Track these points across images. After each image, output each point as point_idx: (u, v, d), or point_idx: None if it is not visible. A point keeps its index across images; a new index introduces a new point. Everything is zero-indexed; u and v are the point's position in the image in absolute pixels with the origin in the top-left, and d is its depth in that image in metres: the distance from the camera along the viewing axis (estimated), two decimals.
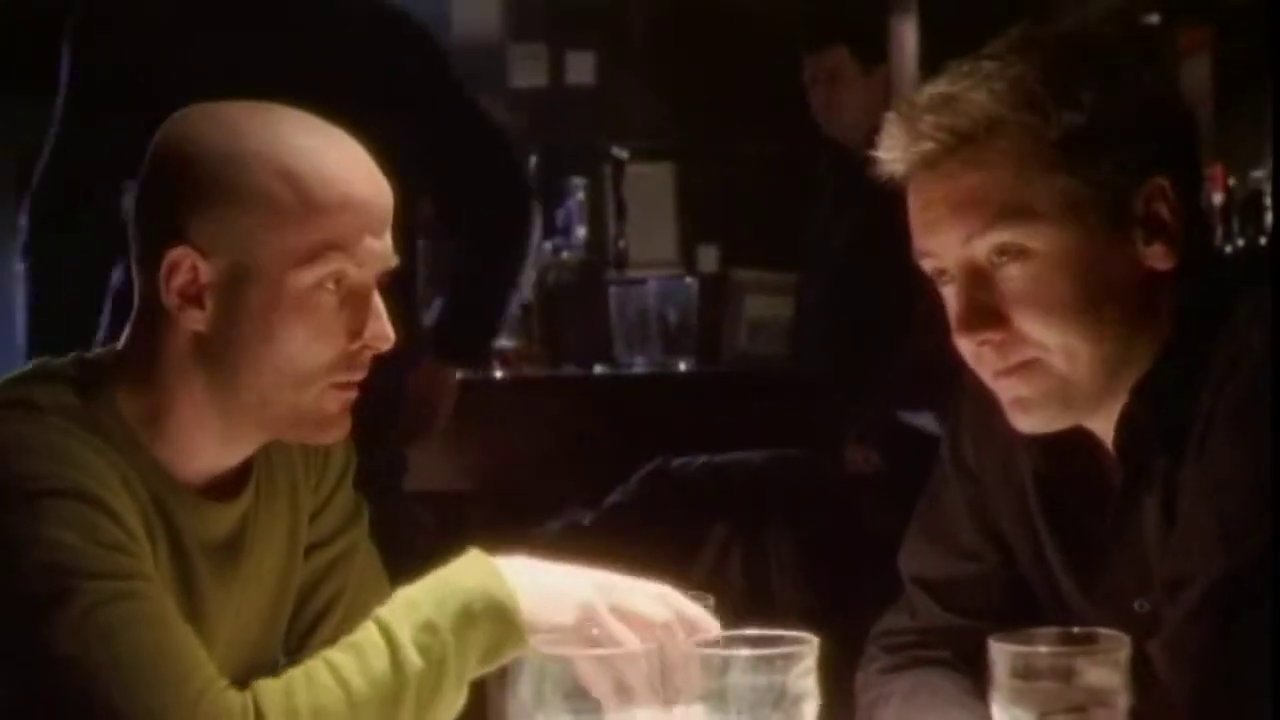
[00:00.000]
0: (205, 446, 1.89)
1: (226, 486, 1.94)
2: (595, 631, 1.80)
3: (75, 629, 1.68)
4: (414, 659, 1.75)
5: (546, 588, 1.83)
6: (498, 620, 1.80)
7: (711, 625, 1.82)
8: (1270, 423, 1.72)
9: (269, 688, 1.72)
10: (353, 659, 1.75)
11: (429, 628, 1.77)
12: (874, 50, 5.07)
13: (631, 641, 1.79)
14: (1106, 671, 1.61)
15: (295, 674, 1.73)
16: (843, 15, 5.24)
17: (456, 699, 1.79)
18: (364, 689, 1.73)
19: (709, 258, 6.70)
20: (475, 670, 1.80)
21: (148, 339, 1.89)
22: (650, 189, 6.40)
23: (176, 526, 1.86)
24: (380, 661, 1.75)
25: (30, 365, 1.90)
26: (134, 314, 1.90)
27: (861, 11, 5.52)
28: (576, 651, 1.80)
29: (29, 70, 6.06)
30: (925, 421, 4.42)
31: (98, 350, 1.93)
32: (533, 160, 5.59)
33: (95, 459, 1.79)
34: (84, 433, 1.81)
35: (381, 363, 1.91)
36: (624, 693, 1.80)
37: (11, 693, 1.71)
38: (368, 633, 1.77)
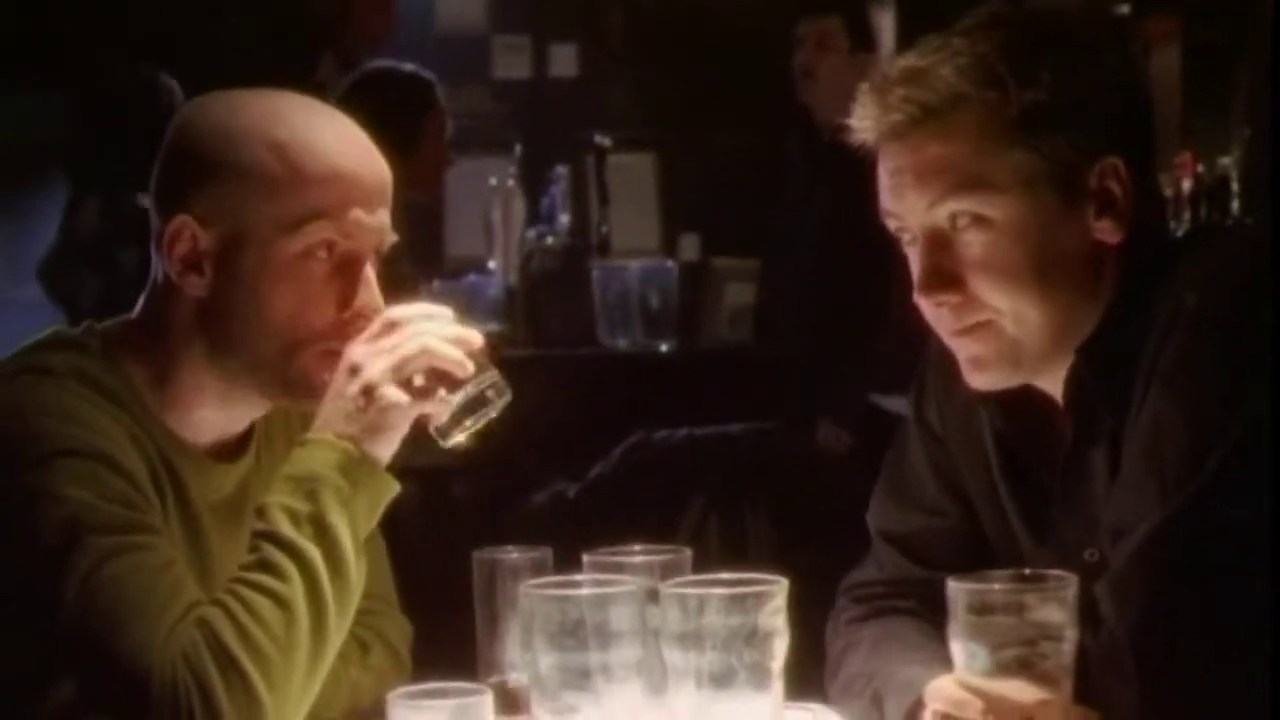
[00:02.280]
0: (208, 410, 2.00)
1: (229, 448, 2.04)
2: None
3: (84, 579, 1.79)
4: (313, 552, 1.83)
5: (366, 422, 1.89)
6: (366, 482, 1.88)
7: (443, 312, 1.94)
8: (1271, 386, 1.80)
9: (212, 614, 1.80)
10: (265, 574, 1.83)
11: (312, 521, 1.85)
12: (864, 35, 5.17)
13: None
14: (1055, 608, 1.71)
15: (226, 599, 1.82)
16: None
17: (360, 560, 1.88)
18: (285, 591, 1.82)
19: (690, 246, 6.78)
20: (367, 529, 1.90)
21: (156, 308, 1.99)
22: (632, 179, 6.47)
23: (183, 485, 1.97)
24: (288, 565, 1.83)
25: (46, 333, 2.00)
26: (147, 286, 2.01)
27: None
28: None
29: (6, 60, 6.14)
30: (898, 405, 4.50)
31: (110, 320, 2.03)
32: (517, 149, 5.66)
33: (106, 420, 1.89)
34: (96, 396, 1.91)
35: None
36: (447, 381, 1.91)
37: (20, 634, 1.83)
38: (264, 551, 1.84)
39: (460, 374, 1.90)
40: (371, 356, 1.89)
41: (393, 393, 1.88)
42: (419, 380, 1.91)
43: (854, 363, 4.65)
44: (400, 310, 1.93)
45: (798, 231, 4.97)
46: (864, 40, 5.15)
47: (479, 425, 1.94)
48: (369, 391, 1.88)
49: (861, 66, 4.99)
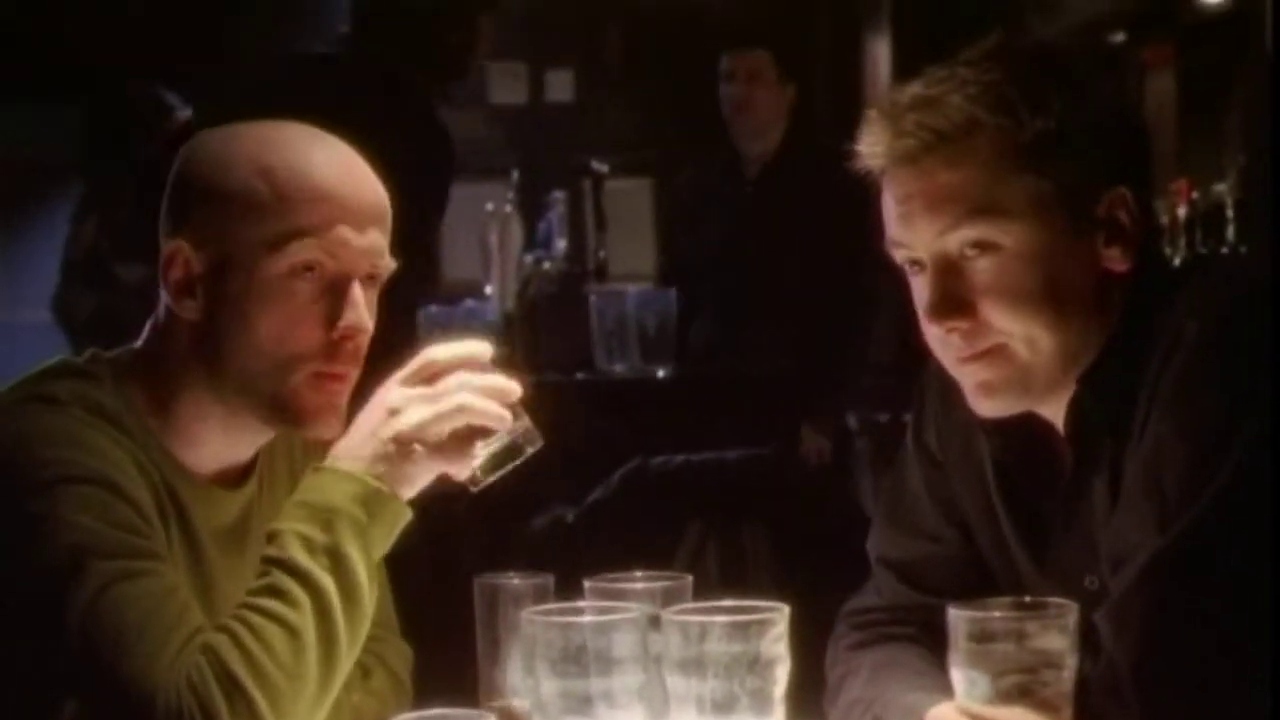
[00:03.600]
0: (210, 436, 2.00)
1: (233, 475, 2.05)
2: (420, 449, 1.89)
3: (89, 604, 1.80)
4: (326, 582, 1.83)
5: (393, 468, 1.89)
6: (383, 515, 1.88)
7: (483, 350, 1.93)
8: (1271, 412, 1.82)
9: (218, 640, 1.80)
10: (275, 600, 1.83)
11: (328, 551, 1.84)
12: (793, 64, 5.21)
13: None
14: (1055, 635, 1.72)
15: (233, 624, 1.82)
16: (770, 21, 5.36)
17: (373, 589, 1.88)
18: (295, 619, 1.82)
19: None
20: (380, 555, 1.90)
21: (158, 335, 2.01)
22: (628, 204, 6.49)
23: (186, 512, 1.97)
24: (300, 594, 1.83)
25: (53, 361, 2.01)
26: (152, 316, 2.02)
27: (787, 24, 5.65)
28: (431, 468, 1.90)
29: (10, 78, 6.16)
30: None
31: (116, 350, 2.04)
32: (514, 174, 5.67)
33: (111, 447, 1.90)
34: (101, 423, 1.92)
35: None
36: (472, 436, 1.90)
37: (26, 659, 1.84)
38: (275, 577, 1.84)
39: (496, 428, 1.91)
40: (411, 403, 1.89)
41: (422, 450, 1.89)
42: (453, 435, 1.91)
43: (829, 376, 4.73)
44: (441, 351, 1.92)
45: (725, 258, 5.04)
46: (793, 69, 5.19)
47: (506, 470, 1.94)
48: (403, 441, 1.88)
49: (790, 96, 5.08)
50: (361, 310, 1.95)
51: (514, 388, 1.91)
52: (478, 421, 1.89)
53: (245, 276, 1.93)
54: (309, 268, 1.93)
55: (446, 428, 1.89)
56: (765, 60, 5.11)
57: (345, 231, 1.94)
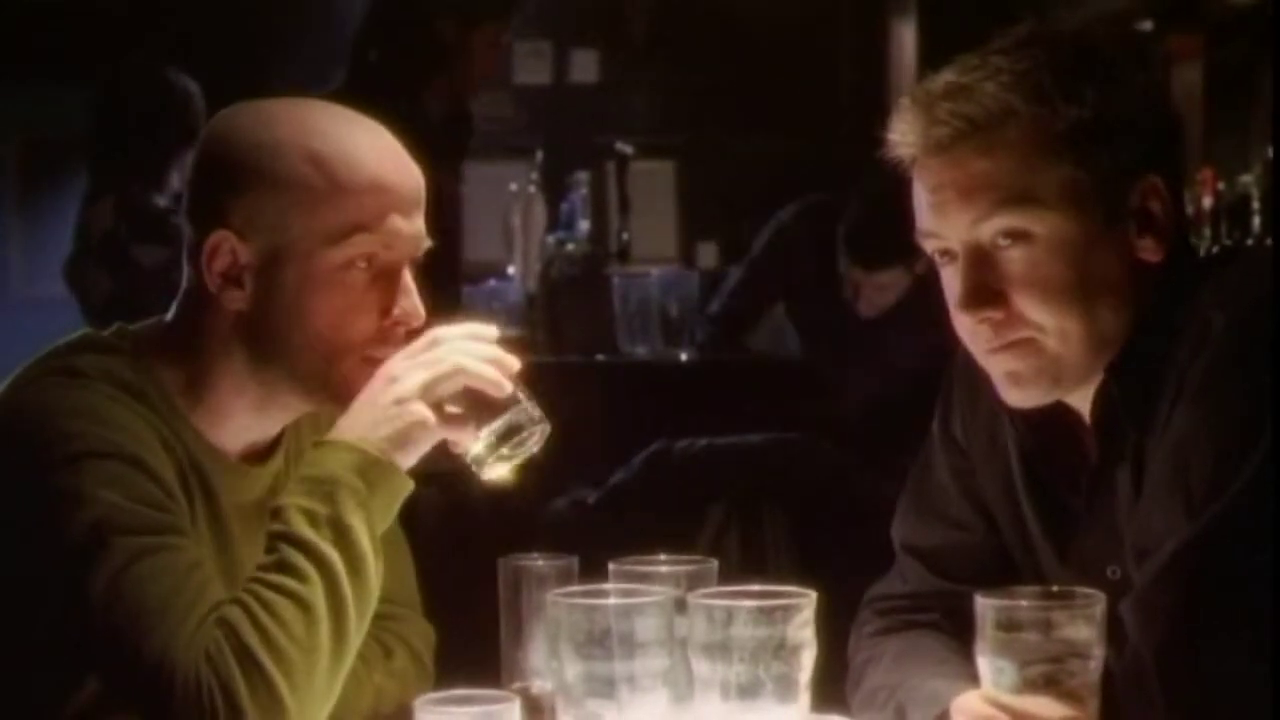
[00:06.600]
0: (241, 416, 2.00)
1: (259, 451, 2.05)
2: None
3: (111, 580, 1.80)
4: (332, 554, 1.84)
5: (392, 432, 1.90)
6: (383, 484, 1.89)
7: (488, 331, 1.95)
8: (1271, 406, 1.81)
9: (233, 614, 1.81)
10: (284, 575, 1.83)
11: (331, 523, 1.85)
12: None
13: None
14: (1082, 625, 1.72)
15: (246, 599, 1.82)
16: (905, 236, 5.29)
17: (378, 561, 1.88)
18: (305, 592, 1.82)
19: (708, 254, 6.80)
20: (384, 527, 1.90)
21: (192, 317, 2.00)
22: (652, 186, 6.48)
23: (211, 488, 1.98)
24: (307, 567, 1.83)
25: (76, 335, 2.01)
26: (181, 294, 2.01)
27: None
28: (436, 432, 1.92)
29: (30, 57, 6.17)
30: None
31: (141, 324, 2.04)
32: (537, 155, 5.67)
33: (136, 422, 1.91)
34: (125, 397, 1.92)
35: None
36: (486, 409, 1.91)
37: (48, 633, 1.85)
38: (283, 552, 1.84)
39: (494, 394, 1.91)
40: (409, 370, 1.91)
41: (421, 410, 1.90)
42: (454, 408, 1.92)
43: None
44: (445, 329, 1.95)
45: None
46: None
47: (518, 457, 1.95)
48: (401, 403, 1.89)
49: None
50: (415, 297, 1.97)
51: (513, 361, 1.93)
52: (475, 383, 1.91)
53: (301, 268, 1.93)
54: (365, 258, 1.94)
55: (445, 389, 1.91)
56: (899, 274, 4.75)
57: (397, 221, 1.95)
